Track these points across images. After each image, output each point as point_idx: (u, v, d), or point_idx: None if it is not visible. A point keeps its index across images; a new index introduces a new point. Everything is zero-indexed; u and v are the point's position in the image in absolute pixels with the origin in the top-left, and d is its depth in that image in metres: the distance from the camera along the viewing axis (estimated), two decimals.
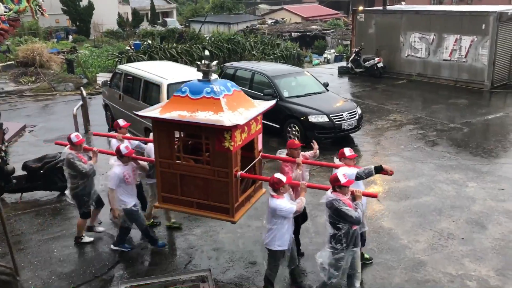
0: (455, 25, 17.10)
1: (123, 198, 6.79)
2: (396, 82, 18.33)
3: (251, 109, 6.10)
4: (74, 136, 7.18)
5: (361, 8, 21.76)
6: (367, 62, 19.26)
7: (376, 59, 19.08)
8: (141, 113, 6.11)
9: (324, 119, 11.25)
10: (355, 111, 11.76)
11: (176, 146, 6.17)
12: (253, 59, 21.38)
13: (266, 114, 11.93)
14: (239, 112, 5.82)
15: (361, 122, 12.02)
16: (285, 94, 12.01)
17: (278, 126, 11.97)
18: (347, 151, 6.48)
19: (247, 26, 37.88)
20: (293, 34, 34.24)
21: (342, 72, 20.52)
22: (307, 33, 34.23)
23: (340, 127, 11.38)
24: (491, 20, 15.96)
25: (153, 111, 6.05)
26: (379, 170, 6.08)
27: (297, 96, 12.04)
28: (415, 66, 18.49)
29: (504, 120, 13.41)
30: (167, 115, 5.82)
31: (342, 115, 11.48)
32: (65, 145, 7.33)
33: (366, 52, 19.68)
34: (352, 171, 6.04)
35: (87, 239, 7.53)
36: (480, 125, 12.99)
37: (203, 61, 5.96)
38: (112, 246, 7.32)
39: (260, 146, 6.70)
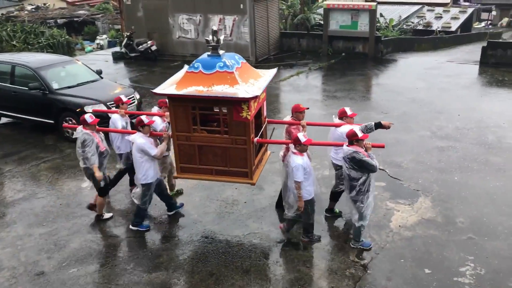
0: (217, 5, 18.15)
1: (148, 172, 6.89)
2: (171, 64, 18.67)
3: (259, 79, 6.47)
4: (88, 116, 7.20)
5: None
6: (141, 46, 19.11)
7: (149, 42, 19.08)
8: (157, 90, 6.24)
9: (102, 108, 10.81)
10: (133, 97, 11.59)
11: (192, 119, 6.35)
12: (14, 50, 19.16)
13: (36, 110, 11.21)
14: (250, 83, 6.20)
15: (141, 107, 11.95)
16: (55, 86, 11.12)
17: (52, 121, 11.08)
18: (348, 110, 7.04)
19: (1, 14, 33.50)
20: (58, 20, 31.66)
21: (117, 57, 19.93)
22: (75, 19, 32.08)
23: None
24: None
25: (169, 88, 6.20)
26: (378, 125, 6.63)
27: (69, 87, 11.28)
28: (188, 47, 19.12)
29: (268, 90, 14.91)
30: (184, 91, 6.06)
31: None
32: (74, 127, 7.61)
33: (138, 36, 19.48)
34: (355, 128, 6.37)
35: (107, 215, 7.72)
36: None
37: (213, 37, 6.17)
38: (130, 226, 7.40)
39: (265, 112, 7.10)
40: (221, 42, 6.30)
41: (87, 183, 7.87)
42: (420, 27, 26.25)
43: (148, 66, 18.43)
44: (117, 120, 7.86)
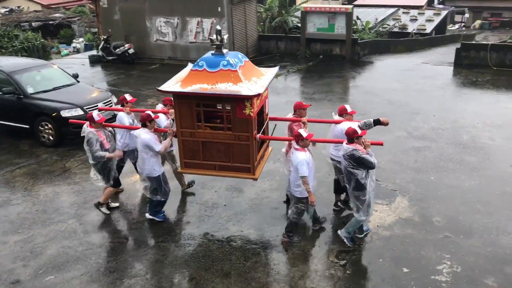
0: (195, 8, 18.13)
1: (155, 166, 7.09)
2: (149, 67, 18.57)
3: (261, 77, 6.69)
4: (96, 114, 7.31)
5: None
6: (118, 49, 18.93)
7: (126, 45, 18.92)
8: (162, 88, 6.39)
9: (79, 112, 10.66)
10: (110, 100, 11.47)
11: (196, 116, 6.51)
12: None
13: (10, 115, 10.99)
14: (253, 81, 6.39)
15: None
16: (30, 90, 10.94)
17: (27, 126, 10.89)
18: (348, 107, 7.19)
19: None
20: (33, 23, 31.13)
21: (94, 61, 19.69)
22: (50, 22, 31.60)
23: None
24: (224, 2, 17.47)
25: (174, 86, 6.39)
26: (377, 122, 6.79)
27: (45, 91, 11.10)
28: (165, 49, 19.02)
29: None
30: (189, 89, 6.24)
31: (97, 105, 11.04)
32: (81, 123, 7.60)
33: (115, 39, 19.30)
34: (354, 125, 6.51)
35: (113, 205, 8.05)
36: None
37: (217, 36, 6.36)
38: (146, 215, 7.64)
39: (267, 109, 7.24)
40: (225, 41, 6.51)
41: (93, 174, 7.71)
42: (396, 30, 26.67)
43: (125, 69, 18.27)
44: (124, 118, 8.03)
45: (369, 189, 6.39)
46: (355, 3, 36.23)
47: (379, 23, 26.63)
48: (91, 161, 7.42)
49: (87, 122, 7.39)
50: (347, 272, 6.35)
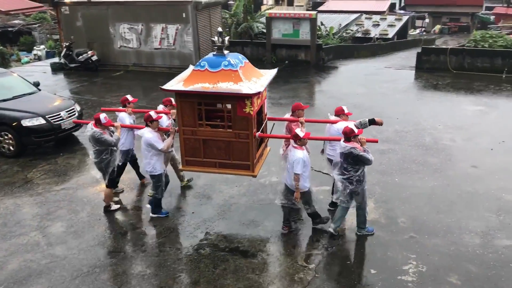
0: (160, 14, 17.98)
1: (156, 164, 7.37)
2: (113, 74, 18.28)
3: (261, 78, 6.89)
4: (103, 117, 7.53)
5: (67, 0, 20.64)
6: (81, 56, 18.56)
7: (89, 52, 18.57)
8: (165, 87, 6.60)
9: (40, 121, 10.40)
10: (73, 109, 11.25)
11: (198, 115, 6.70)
12: None
13: None
14: (253, 81, 6.58)
15: (82, 119, 11.58)
16: None
17: None
18: (345, 108, 7.49)
19: None
20: None
21: (56, 68, 19.23)
22: (9, 29, 30.70)
23: (60, 127, 10.72)
24: (189, 9, 17.39)
25: (177, 85, 6.62)
26: (372, 122, 7.13)
27: (4, 100, 10.79)
28: (130, 56, 18.77)
29: None
30: (191, 88, 6.45)
31: (60, 114, 10.83)
32: (85, 123, 8.07)
33: (78, 46, 18.92)
34: (351, 124, 6.75)
35: (114, 207, 8.12)
36: None
37: (218, 38, 6.57)
38: (151, 214, 7.84)
39: (266, 110, 7.46)
40: (226, 43, 6.69)
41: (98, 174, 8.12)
42: (359, 35, 27.20)
43: (89, 76, 17.92)
44: (125, 118, 8.25)
45: (364, 184, 6.80)
46: (319, 9, 36.78)
47: (343, 29, 27.09)
48: (94, 160, 7.70)
49: (92, 122, 7.62)
50: (316, 275, 6.40)
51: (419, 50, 18.57)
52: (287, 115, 7.71)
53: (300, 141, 6.74)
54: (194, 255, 6.89)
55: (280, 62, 19.18)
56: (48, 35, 29.92)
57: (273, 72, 7.31)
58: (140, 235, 7.44)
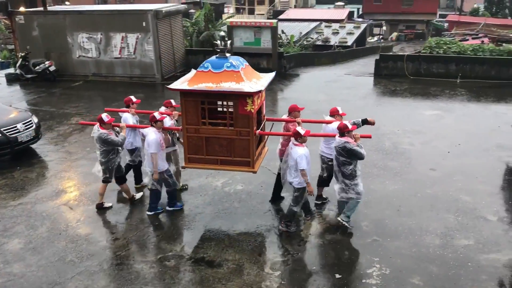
0: (119, 23, 17.74)
1: (159, 162, 7.57)
2: (72, 84, 17.87)
3: (260, 79, 7.25)
4: (105, 116, 7.79)
5: (22, 9, 20.08)
6: (38, 67, 18.05)
7: (47, 62, 18.10)
8: (171, 86, 7.00)
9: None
10: (30, 121, 10.92)
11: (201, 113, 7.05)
12: None
13: None
14: (254, 81, 6.97)
15: (40, 131, 11.27)
16: None
17: None
18: (339, 109, 7.99)
19: None
20: None
21: (11, 79, 18.63)
22: None
23: (17, 140, 10.39)
24: (149, 17, 17.23)
25: (182, 84, 7.00)
26: (365, 121, 7.79)
27: None
28: (89, 66, 18.40)
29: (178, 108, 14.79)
30: (195, 87, 6.82)
31: (16, 127, 10.49)
32: (90, 125, 8.38)
33: (34, 56, 18.39)
34: (345, 122, 7.26)
35: (106, 204, 8.37)
36: None
37: (221, 42, 7.00)
38: (147, 213, 8.13)
39: (264, 111, 7.81)
40: (228, 47, 7.07)
41: (97, 168, 8.17)
42: (319, 43, 27.65)
43: (46, 87, 17.44)
44: (128, 119, 8.49)
45: (358, 177, 7.19)
46: (280, 17, 37.19)
47: (303, 37, 27.48)
48: (102, 159, 7.90)
49: (97, 124, 7.80)
50: (282, 282, 6.41)
51: (377, 57, 19.06)
52: (284, 116, 8.08)
53: (301, 138, 7.08)
54: (159, 267, 6.78)
55: None
56: (2, 45, 29.01)
57: (271, 74, 7.70)
58: (102, 249, 7.26)
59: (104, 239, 7.51)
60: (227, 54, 7.07)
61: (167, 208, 8.21)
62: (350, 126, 7.10)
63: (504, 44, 19.79)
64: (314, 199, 8.33)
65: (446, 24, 42.56)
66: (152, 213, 8.09)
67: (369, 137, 7.56)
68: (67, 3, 29.20)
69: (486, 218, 7.87)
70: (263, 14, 50.82)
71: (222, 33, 7.17)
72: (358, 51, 26.35)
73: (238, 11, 53.53)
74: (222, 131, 7.15)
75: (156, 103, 15.01)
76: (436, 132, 11.97)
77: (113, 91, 16.82)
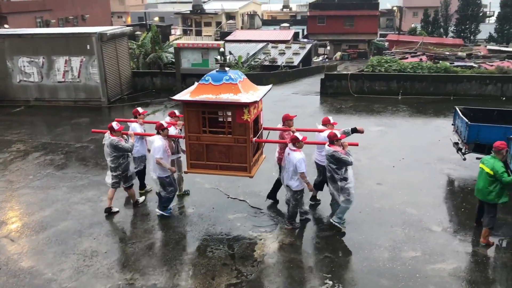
0: (62, 46, 17.30)
1: (161, 168, 8.16)
2: (13, 110, 17.15)
3: (257, 91, 7.88)
4: (115, 124, 8.47)
5: None
6: None
7: None
8: (175, 97, 7.71)
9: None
10: None
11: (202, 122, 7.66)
12: None
13: None
14: (251, 93, 7.58)
15: None
16: None
17: None
18: (331, 119, 8.65)
19: None
20: None
21: None
22: None
23: None
24: (93, 40, 16.92)
25: (185, 96, 7.67)
26: (354, 130, 8.42)
27: None
28: (31, 91, 17.76)
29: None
30: (197, 98, 7.44)
31: None
32: (102, 132, 8.99)
33: None
34: (335, 130, 7.84)
35: (115, 209, 8.89)
36: None
37: (220, 57, 7.73)
38: (156, 210, 8.72)
39: (261, 121, 8.42)
40: (227, 61, 7.80)
41: (109, 178, 8.71)
42: (267, 63, 28.10)
43: None
44: (136, 128, 9.19)
45: (349, 182, 7.69)
46: (227, 38, 37.60)
47: (251, 57, 27.85)
48: (112, 165, 8.48)
49: (108, 132, 8.46)
50: None
51: (322, 76, 19.58)
52: (279, 125, 8.76)
53: (298, 144, 7.68)
54: None
55: None
56: None
57: (268, 87, 8.38)
58: (47, 282, 6.92)
59: (49, 271, 7.16)
60: (226, 68, 7.72)
61: (156, 209, 8.69)
62: (339, 135, 7.68)
63: (440, 61, 20.89)
64: (309, 199, 8.99)
65: (386, 43, 44.44)
66: (161, 212, 8.67)
67: (356, 145, 8.07)
68: (6, 26, 28.19)
69: (431, 229, 8.17)
70: (211, 36, 51.20)
71: (222, 49, 7.95)
72: (304, 71, 26.97)
73: (185, 32, 53.65)
74: (221, 138, 7.74)
75: (103, 127, 14.63)
76: (381, 147, 12.37)
77: (58, 116, 16.28)
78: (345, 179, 7.69)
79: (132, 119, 9.64)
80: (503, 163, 7.30)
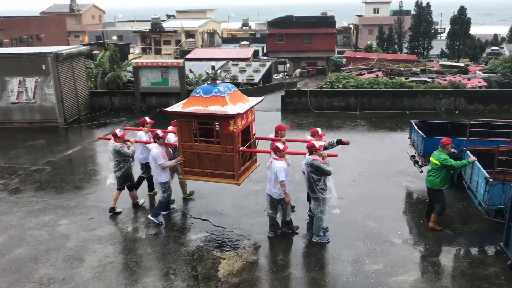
0: (16, 67, 16.80)
1: (161, 174, 8.73)
2: None
3: (246, 103, 8.22)
4: (118, 131, 9.31)
5: None
6: None
7: None
8: (168, 109, 8.24)
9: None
10: None
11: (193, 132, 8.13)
12: None
13: None
14: (239, 105, 7.95)
15: None
16: None
17: None
18: (319, 130, 9.03)
19: None
20: None
21: None
22: None
23: None
24: (49, 60, 16.53)
25: (177, 107, 8.16)
26: (339, 142, 8.72)
27: None
28: None
29: (83, 152, 14.16)
30: (187, 109, 7.91)
31: None
32: (107, 139, 9.86)
33: None
34: (321, 143, 8.15)
35: (118, 210, 9.58)
36: (62, 161, 13.23)
37: (212, 71, 8.50)
38: (162, 213, 9.24)
39: (254, 130, 8.76)
40: (218, 75, 7.32)
41: (111, 180, 9.45)
42: (227, 81, 28.17)
43: None
44: (142, 136, 9.92)
45: (326, 192, 7.91)
46: (187, 56, 37.57)
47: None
48: (114, 169, 9.24)
49: (112, 138, 9.26)
50: None
51: (283, 93, 19.79)
52: (271, 135, 9.07)
53: (279, 153, 8.04)
54: None
55: (151, 109, 18.98)
56: None
57: (258, 99, 8.77)
58: None
59: None
60: (217, 81, 8.16)
61: (149, 216, 9.12)
62: (317, 145, 7.89)
63: (396, 77, 21.54)
64: (307, 211, 9.21)
65: (344, 60, 45.48)
66: (166, 212, 9.36)
67: (335, 156, 8.16)
68: None
69: (392, 241, 8.31)
70: (170, 54, 51.07)
71: (213, 63, 8.62)
72: (265, 88, 27.20)
73: (144, 51, 53.31)
74: (211, 147, 8.15)
75: (59, 148, 14.27)
76: (341, 162, 12.47)
77: (12, 138, 15.71)
78: (323, 189, 7.90)
79: (140, 127, 10.26)
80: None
